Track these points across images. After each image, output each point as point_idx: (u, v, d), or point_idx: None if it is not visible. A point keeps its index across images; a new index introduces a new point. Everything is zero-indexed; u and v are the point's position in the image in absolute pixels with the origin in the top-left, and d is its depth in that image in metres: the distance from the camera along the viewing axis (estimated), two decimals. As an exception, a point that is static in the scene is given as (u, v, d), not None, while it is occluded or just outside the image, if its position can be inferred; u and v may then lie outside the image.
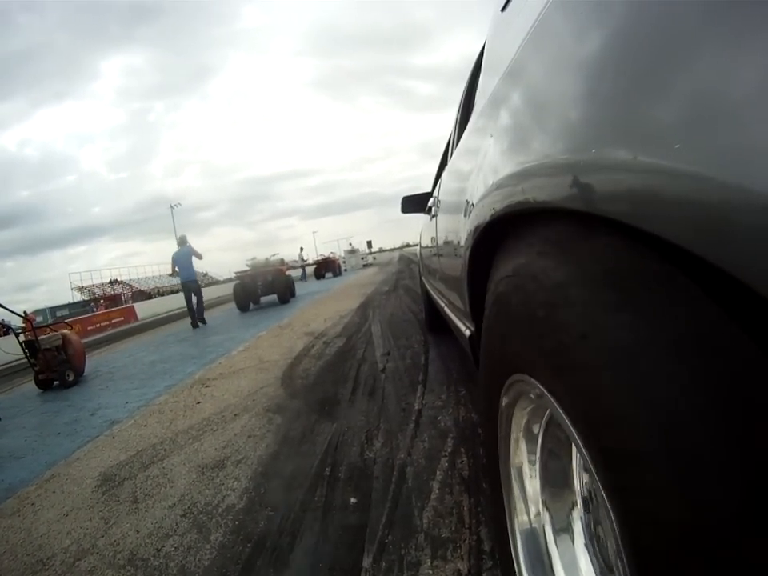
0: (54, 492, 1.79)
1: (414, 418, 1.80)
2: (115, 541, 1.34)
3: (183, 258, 7.14)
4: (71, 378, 4.14)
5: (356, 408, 2.06)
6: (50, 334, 4.35)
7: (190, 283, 7.24)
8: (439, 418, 1.75)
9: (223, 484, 1.54)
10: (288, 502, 1.34)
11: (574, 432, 0.37)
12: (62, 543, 1.39)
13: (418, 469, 1.39)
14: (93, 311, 18.69)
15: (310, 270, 18.88)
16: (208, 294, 20.10)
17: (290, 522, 1.24)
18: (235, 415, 2.27)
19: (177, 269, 7.11)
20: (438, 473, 1.34)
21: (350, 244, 23.13)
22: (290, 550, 1.12)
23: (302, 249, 19.88)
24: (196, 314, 7.23)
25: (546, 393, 0.42)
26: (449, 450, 1.47)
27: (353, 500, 1.29)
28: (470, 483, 1.25)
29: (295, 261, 13.45)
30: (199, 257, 7.34)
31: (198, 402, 2.65)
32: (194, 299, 7.26)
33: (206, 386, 3.01)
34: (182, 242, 7.46)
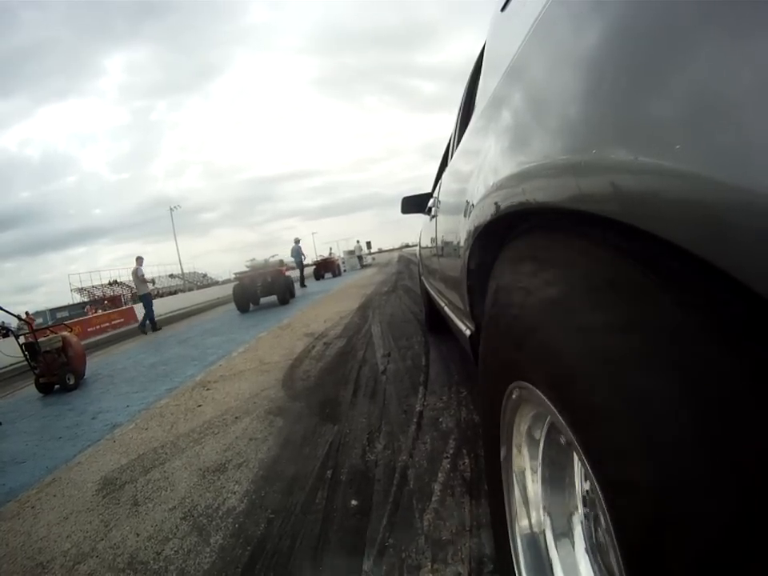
0: (54, 496, 1.79)
1: (415, 420, 1.79)
2: (115, 544, 1.33)
3: (295, 251, 13.70)
4: (72, 382, 4.13)
5: (357, 410, 2.06)
6: (50, 336, 4.34)
7: (298, 263, 13.89)
8: (441, 420, 1.74)
9: (224, 487, 1.54)
10: (289, 505, 1.34)
11: (573, 439, 0.37)
12: (61, 546, 1.39)
13: (419, 471, 1.39)
14: (86, 314, 18.69)
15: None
16: (207, 295, 20.10)
17: (291, 524, 1.24)
18: (236, 418, 2.26)
19: (292, 257, 13.69)
20: (439, 474, 1.34)
21: (330, 249, 22.73)
22: (290, 553, 1.11)
23: (366, 242, 20.40)
24: (302, 279, 13.72)
25: (546, 400, 0.42)
26: (450, 451, 1.47)
27: (354, 502, 1.29)
28: (471, 485, 1.25)
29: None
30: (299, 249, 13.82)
31: (199, 405, 2.65)
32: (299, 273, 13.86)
33: (207, 389, 3.00)
34: (296, 241, 13.88)
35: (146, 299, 8.35)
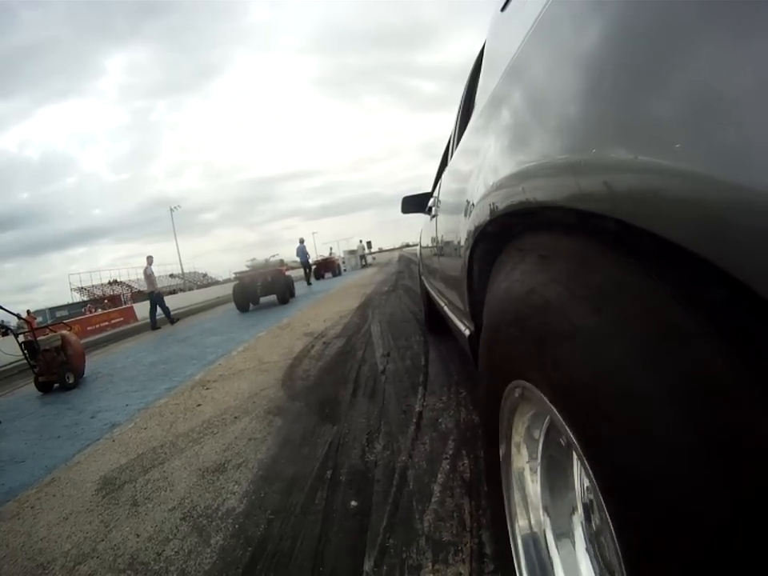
0: (54, 495, 1.79)
1: (414, 420, 1.79)
2: (115, 545, 1.33)
3: (300, 250, 14.02)
4: (71, 381, 4.13)
5: (356, 410, 2.05)
6: (49, 334, 4.34)
7: (304, 263, 14.21)
8: (440, 420, 1.74)
9: (224, 487, 1.54)
10: (288, 506, 1.34)
11: (573, 438, 0.36)
12: (62, 547, 1.39)
13: (419, 472, 1.39)
14: (83, 314, 18.65)
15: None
16: (207, 295, 20.12)
17: (291, 525, 1.24)
18: (235, 418, 2.26)
19: (298, 256, 14.15)
20: (439, 475, 1.34)
21: (331, 249, 23.64)
22: (290, 554, 1.11)
23: (366, 242, 20.91)
24: (308, 278, 14.06)
25: (546, 400, 0.42)
26: (450, 452, 1.47)
27: (353, 503, 1.29)
28: (471, 486, 1.25)
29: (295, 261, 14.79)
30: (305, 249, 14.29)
31: (199, 405, 2.65)
32: (306, 271, 14.37)
33: (206, 388, 3.00)
34: (301, 241, 14.29)
35: (155, 296, 8.81)
